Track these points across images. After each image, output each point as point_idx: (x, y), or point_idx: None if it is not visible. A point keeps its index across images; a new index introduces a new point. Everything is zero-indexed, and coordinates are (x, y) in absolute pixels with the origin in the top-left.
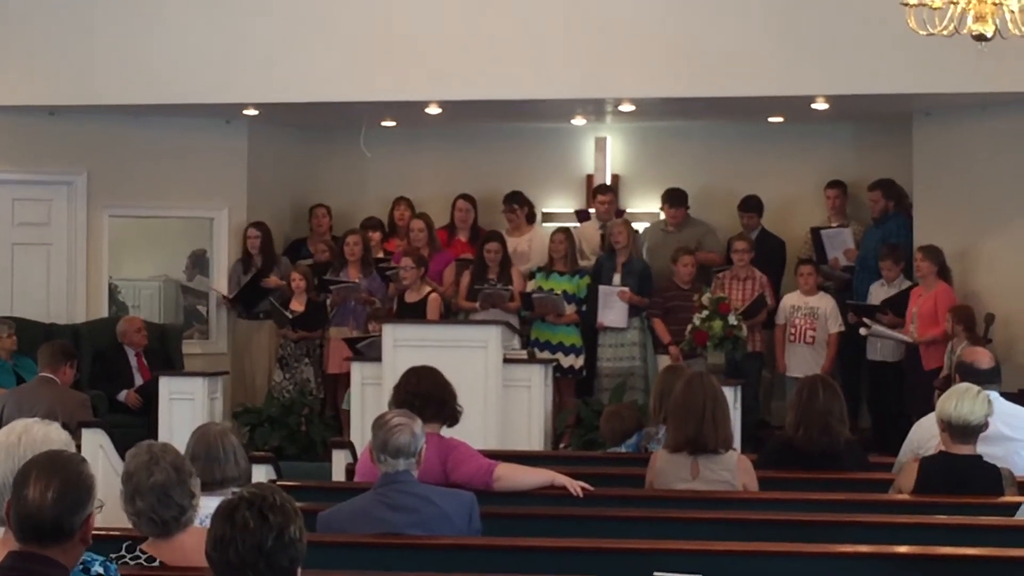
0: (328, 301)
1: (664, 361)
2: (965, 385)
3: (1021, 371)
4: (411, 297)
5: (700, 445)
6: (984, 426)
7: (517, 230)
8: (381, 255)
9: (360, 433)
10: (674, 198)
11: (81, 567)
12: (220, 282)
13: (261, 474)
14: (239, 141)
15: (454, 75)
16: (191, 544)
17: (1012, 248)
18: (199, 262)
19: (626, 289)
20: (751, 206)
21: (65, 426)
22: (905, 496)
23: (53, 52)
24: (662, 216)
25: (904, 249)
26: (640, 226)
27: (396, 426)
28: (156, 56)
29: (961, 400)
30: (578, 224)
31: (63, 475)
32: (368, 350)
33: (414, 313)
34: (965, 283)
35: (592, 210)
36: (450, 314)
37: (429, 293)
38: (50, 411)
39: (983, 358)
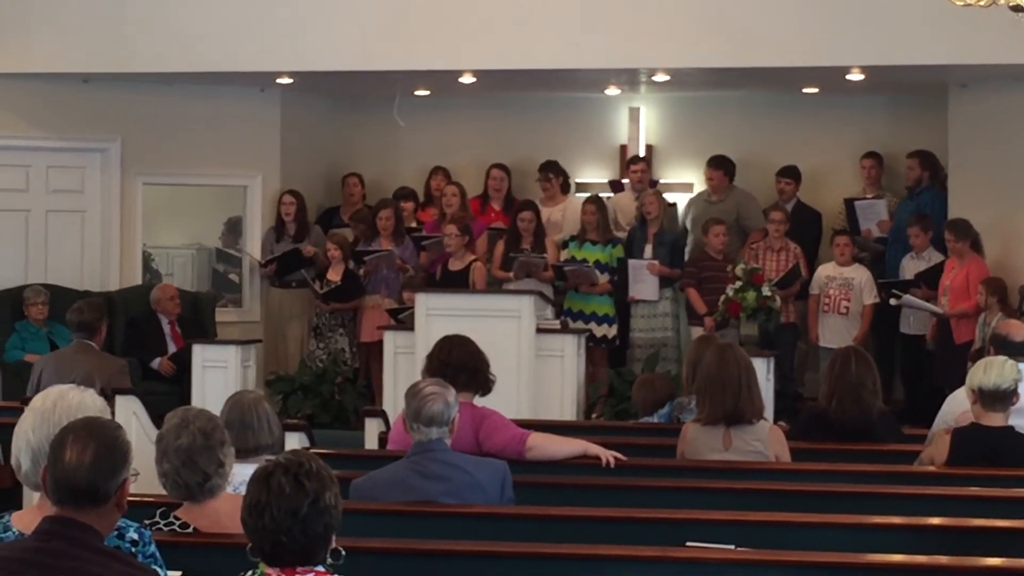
0: (362, 271)
1: (698, 332)
2: (992, 356)
3: None
4: (455, 265)
5: (736, 417)
6: (1014, 392)
7: (551, 199)
8: (414, 225)
9: (393, 402)
10: (717, 161)
11: (116, 533)
12: (253, 250)
13: (294, 442)
14: (273, 109)
15: (488, 44)
16: (225, 511)
17: None
18: (235, 229)
19: (655, 262)
20: (790, 173)
21: (103, 391)
22: (938, 468)
23: (87, 20)
24: (701, 184)
25: (935, 220)
26: (673, 197)
27: (429, 395)
28: (190, 24)
29: (989, 367)
30: (611, 194)
31: (99, 439)
32: (410, 320)
33: (458, 281)
34: (1000, 256)
35: (626, 180)
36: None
37: (473, 261)
38: (88, 377)
39: (1017, 330)
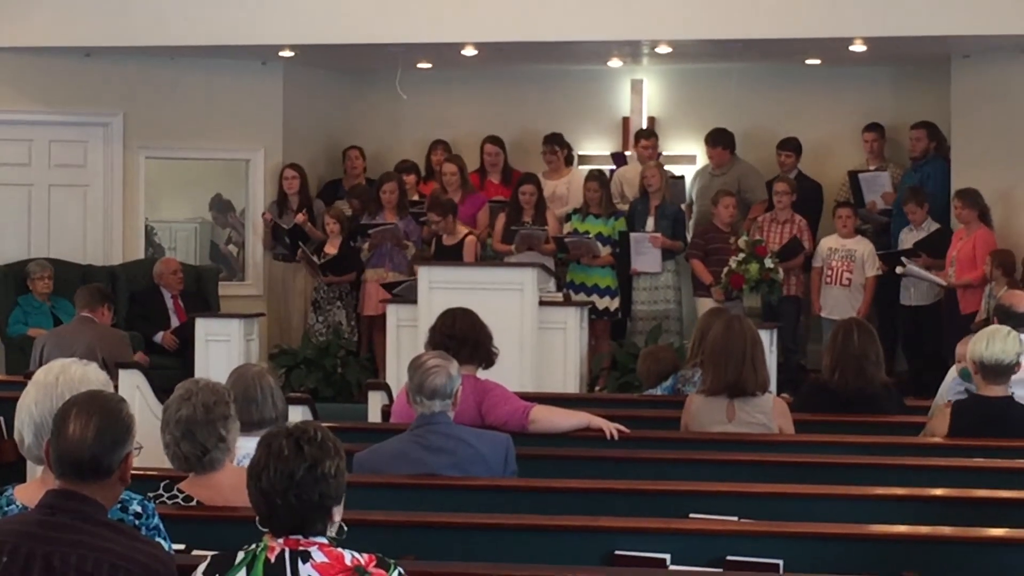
0: (367, 244)
1: (704, 303)
2: (995, 326)
3: None
4: (448, 240)
5: (739, 388)
6: (1016, 365)
7: (555, 172)
8: (416, 197)
9: (396, 375)
10: (714, 138)
11: (119, 506)
12: (256, 224)
13: (297, 415)
14: (275, 82)
15: (490, 16)
16: (228, 483)
17: None
18: (224, 207)
19: (658, 235)
20: (790, 146)
21: (105, 363)
22: (941, 439)
23: None
24: (704, 156)
25: (930, 192)
26: (676, 169)
27: (432, 368)
28: None
29: (992, 340)
30: (614, 167)
31: (103, 413)
32: (405, 293)
33: (451, 256)
34: (1004, 226)
35: (629, 153)
36: (484, 256)
37: (466, 235)
38: (90, 349)
39: (1021, 301)
